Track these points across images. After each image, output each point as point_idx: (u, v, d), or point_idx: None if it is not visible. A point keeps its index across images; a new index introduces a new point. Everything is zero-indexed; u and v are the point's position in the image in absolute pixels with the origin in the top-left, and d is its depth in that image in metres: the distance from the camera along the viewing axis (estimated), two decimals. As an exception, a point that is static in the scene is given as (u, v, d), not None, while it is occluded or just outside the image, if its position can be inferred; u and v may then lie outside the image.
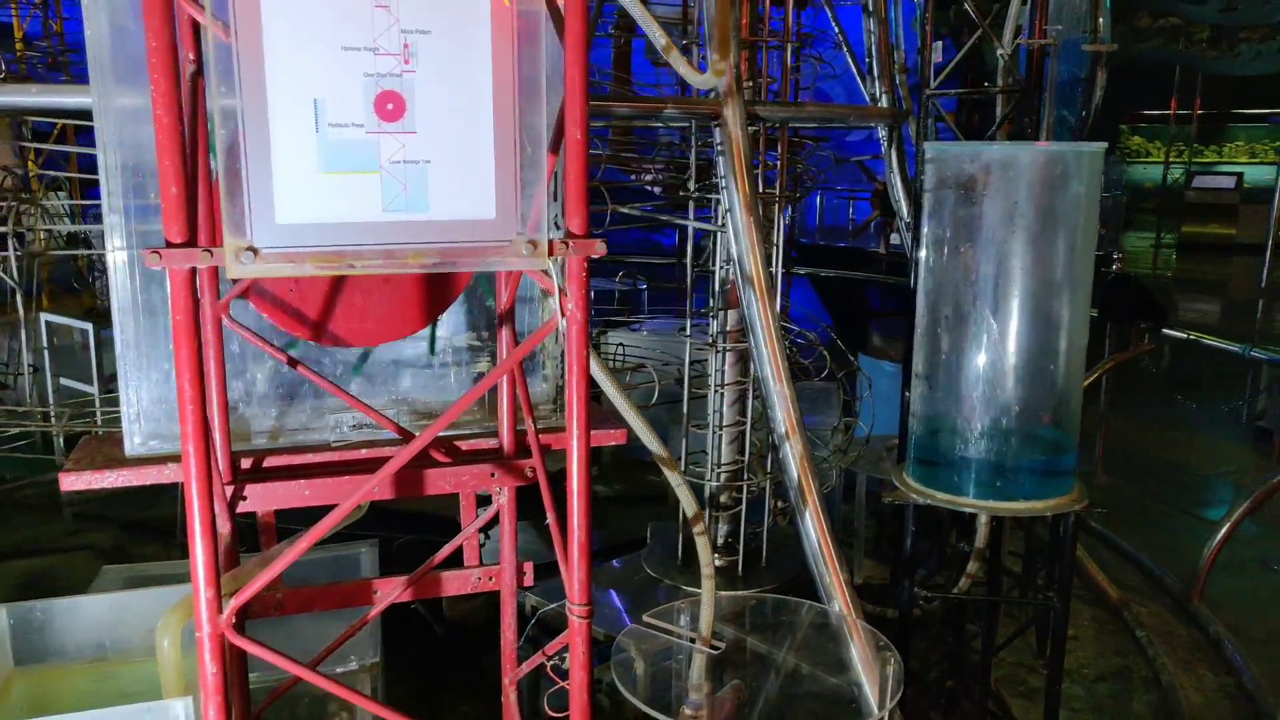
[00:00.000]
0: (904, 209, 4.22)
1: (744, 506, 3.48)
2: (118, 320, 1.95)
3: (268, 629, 1.92)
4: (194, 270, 1.39)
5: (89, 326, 5.34)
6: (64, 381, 5.55)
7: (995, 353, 2.56)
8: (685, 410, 3.60)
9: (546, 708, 1.91)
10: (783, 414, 2.61)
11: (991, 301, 2.55)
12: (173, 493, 6.15)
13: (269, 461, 2.04)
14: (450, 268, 1.50)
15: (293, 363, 1.99)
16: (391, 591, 2.13)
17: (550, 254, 1.51)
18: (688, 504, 2.10)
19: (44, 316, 5.50)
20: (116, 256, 1.93)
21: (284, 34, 1.33)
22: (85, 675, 1.89)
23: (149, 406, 2.00)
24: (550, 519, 1.84)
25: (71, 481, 1.91)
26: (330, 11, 1.34)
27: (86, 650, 1.91)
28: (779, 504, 3.80)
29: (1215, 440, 7.54)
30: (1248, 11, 14.79)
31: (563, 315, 1.56)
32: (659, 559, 3.72)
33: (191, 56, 1.72)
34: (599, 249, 1.54)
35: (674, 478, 2.10)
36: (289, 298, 1.98)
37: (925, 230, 2.66)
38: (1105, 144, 2.49)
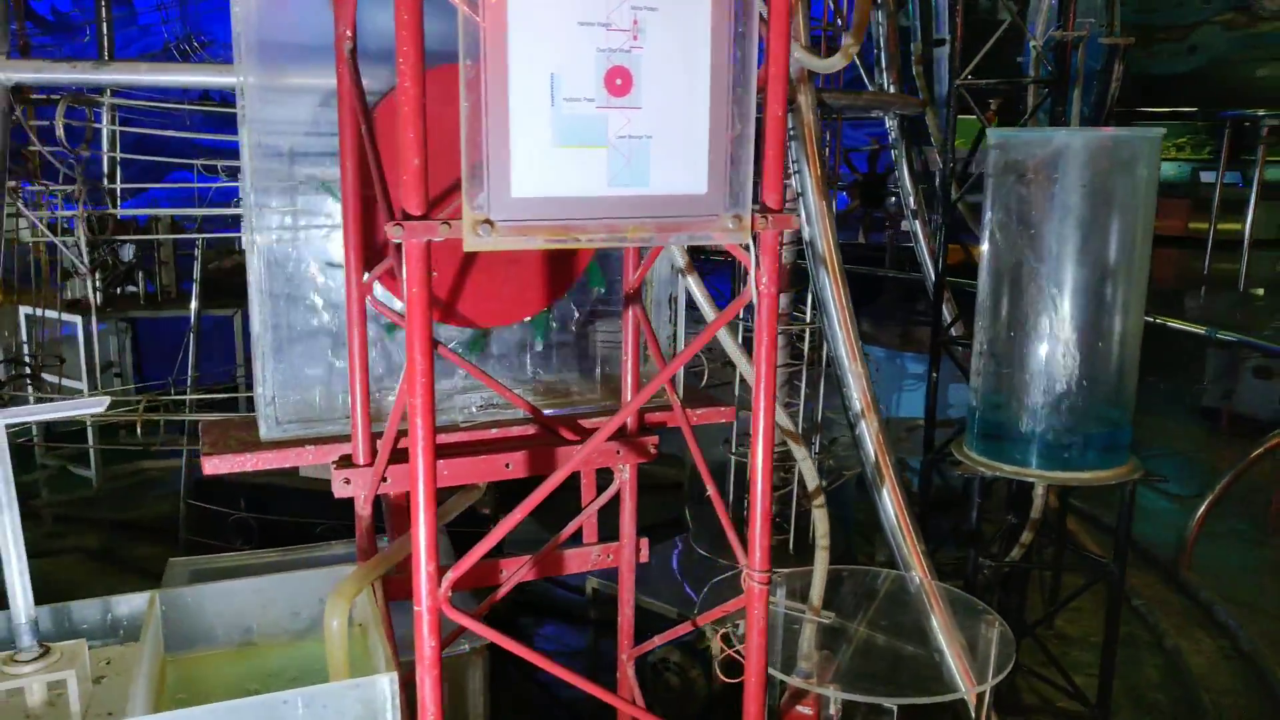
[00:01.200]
0: (910, 199, 4.35)
1: (795, 485, 3.57)
2: (256, 306, 1.92)
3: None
4: (429, 243, 1.40)
5: (78, 320, 5.15)
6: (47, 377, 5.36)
7: (1061, 331, 2.68)
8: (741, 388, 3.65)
9: (719, 674, 1.96)
10: (858, 393, 2.69)
11: (1057, 281, 2.66)
12: (159, 490, 6.00)
13: (401, 444, 2.04)
14: (661, 241, 1.53)
15: (435, 344, 1.99)
16: (518, 570, 2.15)
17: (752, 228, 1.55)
18: (810, 478, 2.17)
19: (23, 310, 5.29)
20: (258, 238, 1.91)
21: (525, 7, 1.35)
22: (234, 660, 1.87)
23: (281, 391, 1.98)
24: (711, 490, 1.88)
25: (215, 465, 1.89)
26: (568, -14, 1.36)
27: (234, 634, 1.89)
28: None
29: (1167, 420, 7.89)
30: (1163, 13, 15.49)
31: (757, 289, 1.60)
32: (708, 540, 3.78)
33: (350, 33, 1.73)
34: (794, 223, 1.59)
35: (799, 452, 2.16)
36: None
37: (988, 215, 2.76)
38: (1164, 129, 2.63)
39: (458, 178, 1.94)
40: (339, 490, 1.94)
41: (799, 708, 2.31)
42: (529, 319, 2.18)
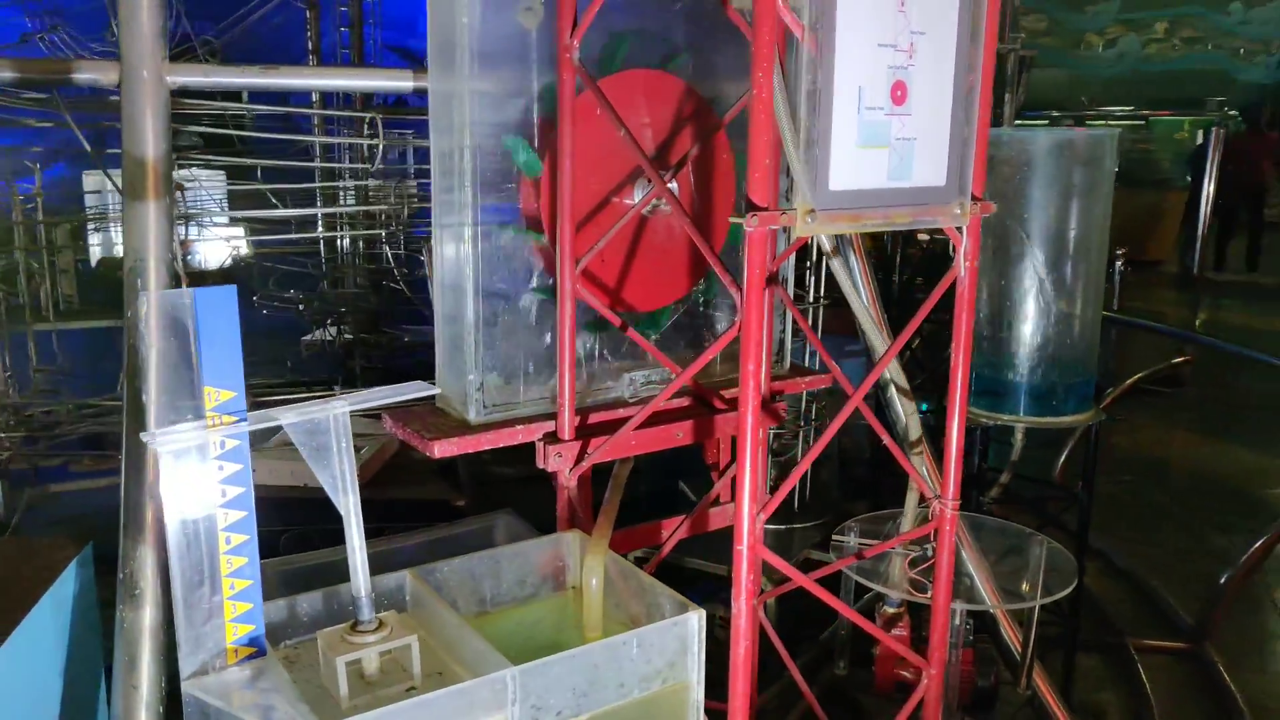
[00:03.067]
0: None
1: (800, 447, 3.91)
2: (453, 300, 2.05)
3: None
4: (768, 231, 1.63)
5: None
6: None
7: (1042, 301, 3.17)
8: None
9: (909, 588, 2.27)
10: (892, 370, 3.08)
11: (1039, 260, 3.16)
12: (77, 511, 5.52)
13: (593, 419, 2.22)
14: (914, 225, 1.82)
15: (624, 327, 2.18)
16: (676, 529, 2.38)
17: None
18: (915, 431, 2.51)
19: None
20: (463, 231, 2.03)
21: (846, 36, 1.61)
22: (479, 625, 1.99)
23: (489, 378, 2.11)
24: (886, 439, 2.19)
25: (444, 448, 2.01)
26: (872, 15, 1.64)
27: (472, 604, 2.01)
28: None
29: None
30: (1254, 26, 17.37)
31: (967, 263, 1.92)
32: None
33: (575, 43, 1.93)
34: (992, 208, 1.93)
35: (909, 406, 2.51)
36: (599, 272, 2.19)
37: (978, 202, 3.21)
38: (1120, 130, 3.17)
39: (628, 169, 2.16)
40: (552, 465, 2.10)
41: (895, 630, 2.67)
42: (678, 300, 2.40)
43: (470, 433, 2.06)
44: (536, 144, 2.08)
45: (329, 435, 1.57)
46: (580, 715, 1.66)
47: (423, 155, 7.41)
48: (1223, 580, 4.10)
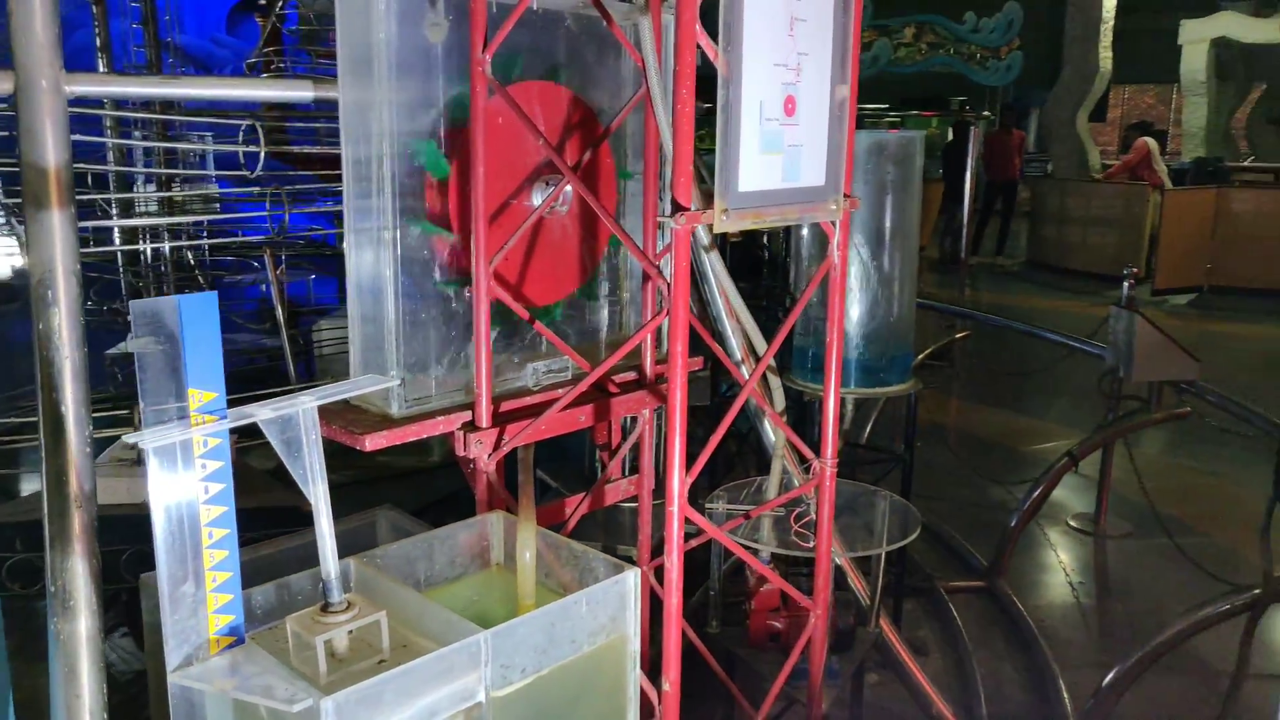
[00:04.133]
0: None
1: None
2: (372, 301, 2.15)
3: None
4: (692, 229, 1.85)
5: None
6: None
7: (867, 282, 3.57)
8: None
9: (796, 536, 2.53)
10: (737, 344, 3.37)
11: (861, 246, 3.54)
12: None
13: (504, 407, 2.36)
14: (802, 220, 2.09)
15: (531, 320, 2.34)
16: (578, 506, 2.57)
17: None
18: (780, 403, 2.80)
19: None
20: (382, 235, 2.14)
21: (750, 58, 1.86)
22: (417, 600, 2.10)
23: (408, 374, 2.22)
24: (771, 414, 2.45)
25: (375, 441, 2.12)
26: (769, 39, 1.89)
27: (410, 585, 2.12)
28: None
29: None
30: (984, 34, 18.47)
31: (840, 253, 2.21)
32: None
33: (488, 58, 2.09)
34: (859, 203, 2.23)
35: (774, 380, 2.79)
36: (502, 270, 2.35)
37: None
38: (923, 131, 3.60)
39: (526, 173, 2.33)
40: (473, 451, 2.24)
41: (766, 587, 2.96)
42: (570, 294, 2.58)
43: (395, 426, 2.17)
44: (444, 149, 2.21)
45: (299, 429, 1.66)
46: (541, 670, 1.83)
47: (223, 160, 7.17)
48: (1012, 524, 4.68)
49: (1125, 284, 4.90)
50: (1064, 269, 13.60)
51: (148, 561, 2.30)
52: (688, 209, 1.82)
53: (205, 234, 6.02)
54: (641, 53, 2.35)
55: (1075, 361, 6.62)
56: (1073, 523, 5.55)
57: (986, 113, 21.16)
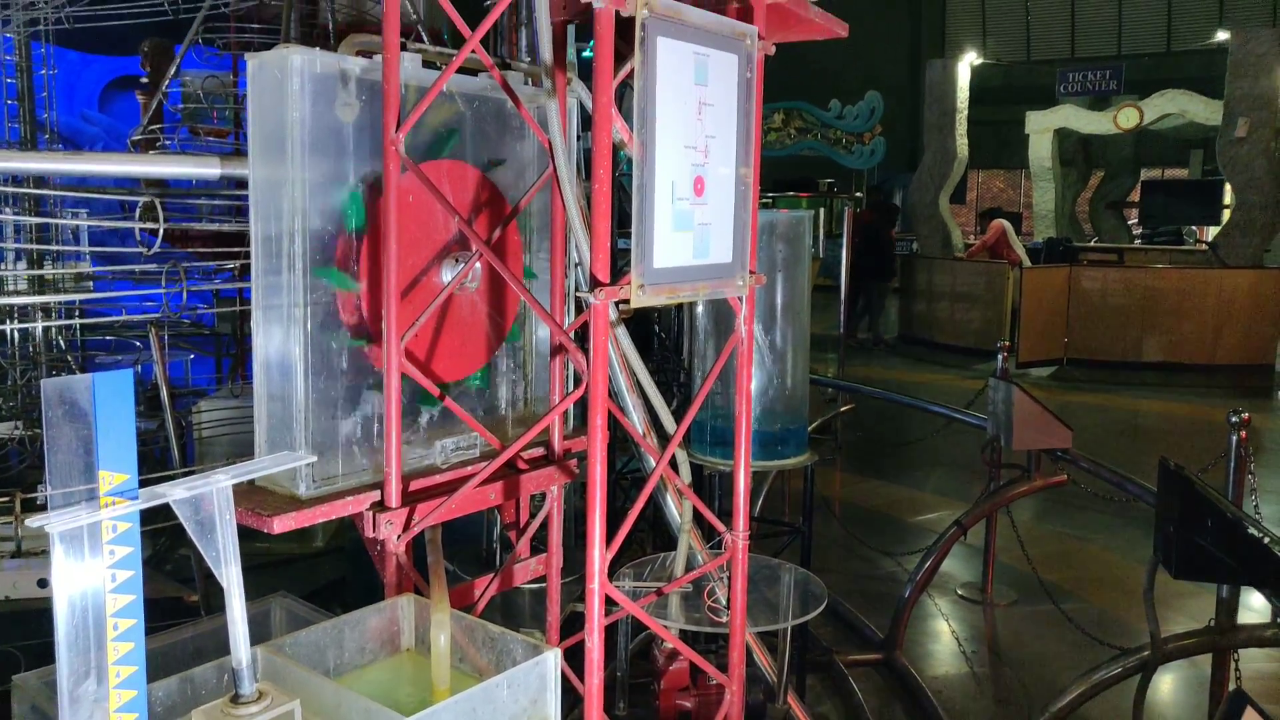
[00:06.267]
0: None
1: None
2: (280, 379, 2.11)
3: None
4: (607, 303, 1.88)
5: None
6: None
7: (764, 359, 3.66)
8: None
9: (709, 612, 2.53)
10: (638, 419, 3.39)
11: (763, 329, 3.65)
12: None
13: (413, 486, 2.32)
14: (711, 296, 2.15)
15: (442, 397, 2.32)
16: (487, 587, 2.53)
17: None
18: (686, 476, 2.83)
19: None
20: (293, 313, 2.11)
21: (662, 142, 1.93)
22: (332, 689, 2.03)
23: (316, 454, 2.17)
24: (682, 484, 2.48)
25: (283, 523, 2.06)
26: (680, 124, 1.96)
27: (320, 673, 2.04)
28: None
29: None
30: (848, 121, 19.08)
31: (747, 328, 2.28)
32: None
33: (400, 137, 2.13)
34: (763, 279, 2.31)
35: (681, 454, 2.82)
36: (412, 346, 2.35)
37: (703, 275, 3.66)
38: (812, 211, 3.75)
39: (435, 250, 2.35)
40: (383, 532, 2.20)
41: (674, 667, 2.95)
42: (477, 371, 2.58)
43: (303, 507, 2.11)
44: (354, 227, 2.20)
45: (213, 509, 1.61)
46: (464, 756, 1.78)
47: (96, 236, 6.93)
48: (905, 595, 4.79)
49: (999, 357, 5.15)
50: (933, 343, 14.19)
51: (12, 661, 2.15)
52: (606, 284, 1.86)
53: (78, 314, 5.78)
54: (548, 135, 2.41)
55: (952, 432, 6.89)
56: (961, 592, 5.72)
57: (859, 193, 22.12)
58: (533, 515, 2.70)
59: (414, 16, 6.78)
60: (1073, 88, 19.96)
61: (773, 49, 2.28)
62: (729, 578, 2.41)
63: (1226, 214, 16.41)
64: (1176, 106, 16.83)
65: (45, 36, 6.55)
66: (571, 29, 2.69)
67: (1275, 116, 13.99)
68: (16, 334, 5.44)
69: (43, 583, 3.44)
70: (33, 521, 1.44)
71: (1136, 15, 26.02)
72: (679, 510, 2.93)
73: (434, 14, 8.26)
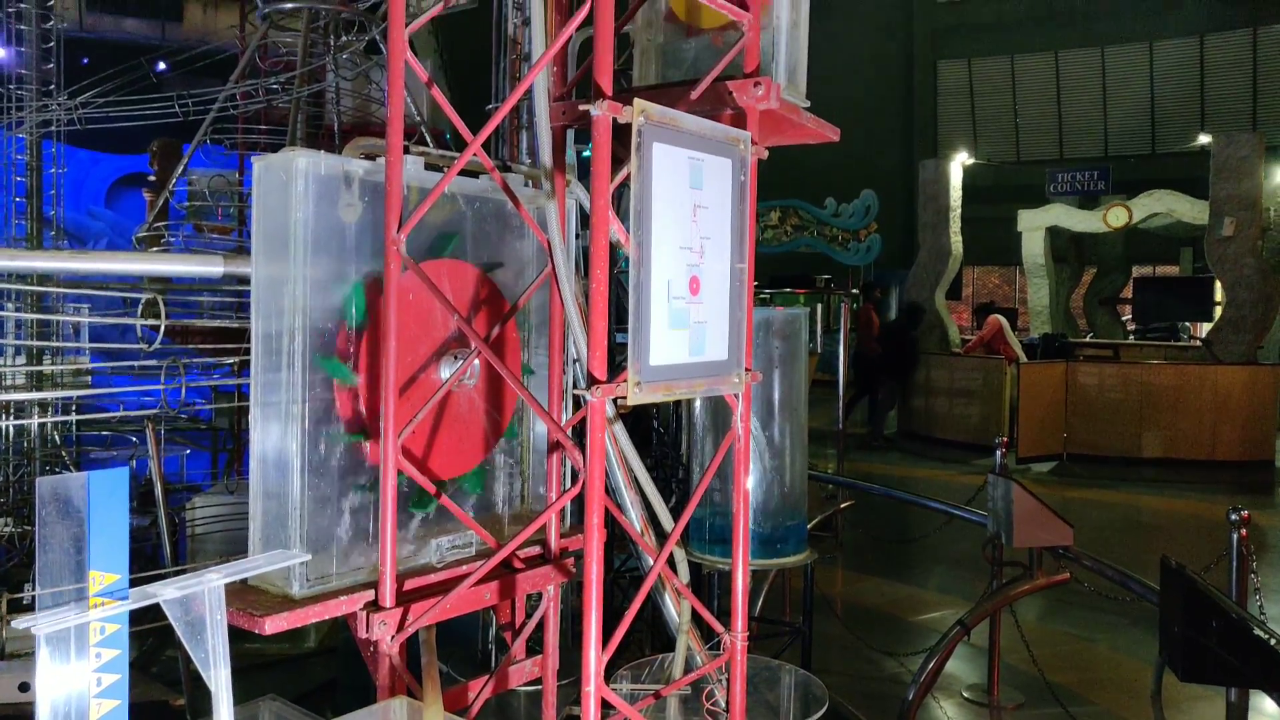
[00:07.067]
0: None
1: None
2: (276, 476, 2.10)
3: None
4: (604, 401, 1.89)
5: None
6: None
7: (763, 458, 3.65)
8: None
9: (708, 715, 2.46)
10: (636, 516, 3.37)
11: (761, 426, 3.65)
12: None
13: (408, 585, 2.29)
14: (706, 394, 2.16)
15: (438, 494, 2.31)
16: (481, 690, 2.48)
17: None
18: (684, 575, 2.80)
19: None
20: (291, 409, 2.11)
21: (658, 243, 1.96)
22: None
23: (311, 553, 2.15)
24: (681, 585, 2.45)
25: (276, 623, 2.02)
26: (675, 226, 2.00)
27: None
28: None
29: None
30: (844, 218, 19.53)
31: (742, 424, 2.28)
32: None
33: (403, 237, 2.16)
34: (759, 376, 2.32)
35: (679, 553, 2.80)
36: (408, 443, 2.35)
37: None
38: (808, 308, 3.79)
39: (434, 347, 2.36)
40: (376, 633, 2.16)
41: (672, 768, 2.86)
42: (473, 468, 2.57)
43: (296, 606, 2.08)
44: (354, 325, 2.22)
45: (204, 609, 1.59)
46: None
47: (96, 330, 6.97)
48: (910, 696, 4.68)
49: (998, 453, 5.15)
50: (932, 438, 14.16)
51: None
52: (603, 381, 1.87)
53: (75, 409, 5.79)
54: (548, 235, 2.46)
55: (953, 528, 6.83)
56: (967, 694, 5.59)
57: (855, 290, 22.34)
58: (529, 615, 2.66)
59: (418, 119, 6.96)
60: (1062, 187, 20.34)
61: (766, 153, 2.34)
62: (728, 680, 2.37)
63: (1218, 310, 16.56)
64: (1164, 206, 17.13)
65: (57, 136, 6.71)
66: (571, 132, 2.76)
67: (1260, 216, 14.24)
68: (11, 429, 5.44)
69: (24, 687, 3.36)
70: (19, 623, 1.42)
71: (1121, 119, 26.69)
72: (677, 610, 2.89)
73: (437, 116, 8.48)
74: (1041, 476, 12.24)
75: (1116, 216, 17.80)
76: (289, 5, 6.24)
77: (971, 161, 20.08)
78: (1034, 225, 19.10)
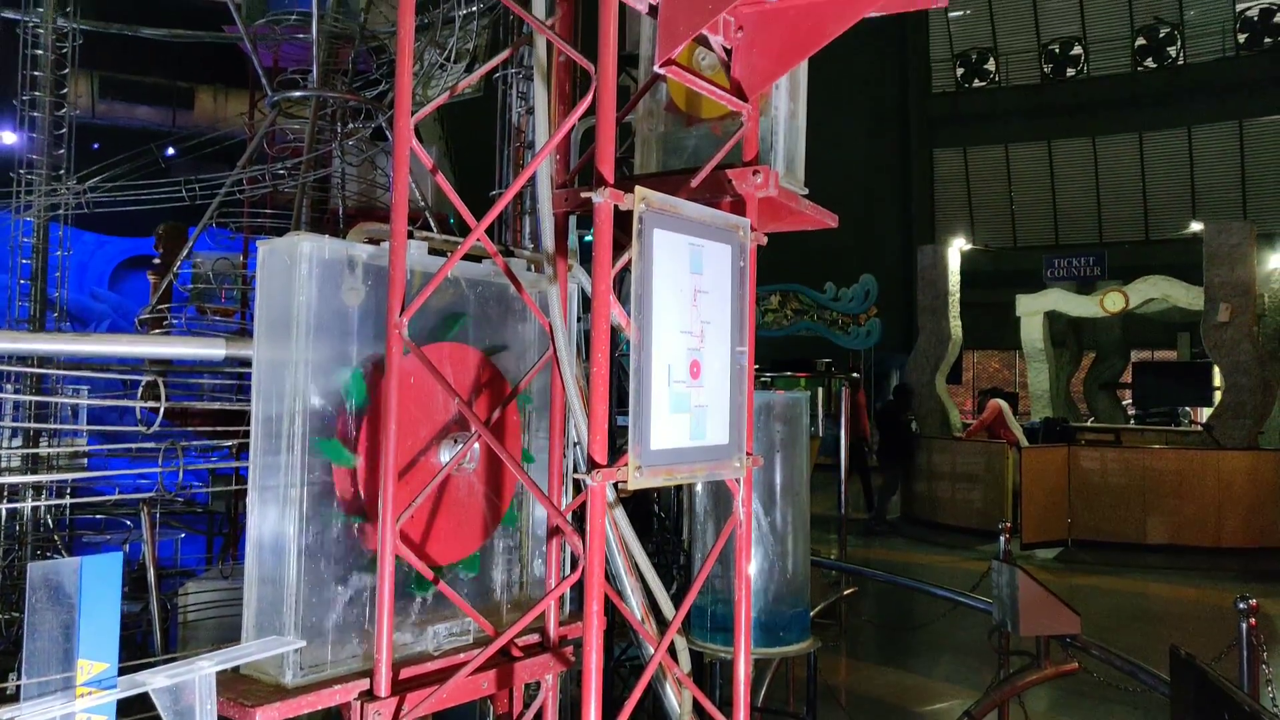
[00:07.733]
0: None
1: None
2: (273, 562, 2.08)
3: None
4: (604, 486, 1.87)
5: None
6: None
7: (765, 543, 3.62)
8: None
9: None
10: (637, 603, 3.32)
11: (763, 510, 3.62)
12: None
13: (404, 674, 2.24)
14: (707, 478, 2.15)
15: (436, 580, 2.28)
16: (477, 783, 2.41)
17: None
18: (685, 664, 2.75)
19: None
20: (290, 493, 2.09)
21: (659, 327, 1.97)
22: None
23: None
24: (683, 674, 2.39)
25: (267, 714, 1.97)
26: (676, 310, 2.01)
27: None
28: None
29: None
30: (844, 303, 19.86)
31: (744, 508, 2.26)
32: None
33: (404, 321, 2.17)
34: (760, 461, 2.30)
35: (680, 641, 2.74)
36: (406, 529, 2.32)
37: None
38: (809, 392, 3.79)
39: (434, 431, 2.35)
40: (370, 723, 2.11)
41: None
42: (472, 554, 2.54)
43: (289, 696, 2.04)
44: (354, 407, 2.22)
45: (194, 699, 1.56)
46: None
47: (94, 412, 6.96)
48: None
49: (1001, 539, 5.09)
50: (935, 523, 14.03)
51: None
52: (604, 465, 1.86)
53: (70, 492, 5.74)
54: (549, 319, 2.47)
55: (959, 615, 6.72)
56: (974, 786, 5.43)
57: (855, 374, 22.39)
58: (527, 705, 2.60)
59: (422, 204, 7.07)
60: (1058, 273, 20.53)
61: (765, 239, 2.36)
62: (730, 774, 2.30)
63: (1218, 395, 16.57)
64: (1159, 291, 17.25)
65: (64, 220, 6.80)
66: (573, 217, 2.79)
67: (1254, 303, 14.34)
68: (4, 512, 5.39)
69: (8, 777, 3.26)
70: (3, 714, 1.39)
71: (1114, 207, 27.09)
72: (678, 700, 2.83)
73: (442, 201, 8.60)
74: (1046, 563, 12.09)
75: (1113, 301, 17.92)
76: (298, 94, 6.39)
77: (969, 247, 20.30)
78: (1032, 310, 19.22)
